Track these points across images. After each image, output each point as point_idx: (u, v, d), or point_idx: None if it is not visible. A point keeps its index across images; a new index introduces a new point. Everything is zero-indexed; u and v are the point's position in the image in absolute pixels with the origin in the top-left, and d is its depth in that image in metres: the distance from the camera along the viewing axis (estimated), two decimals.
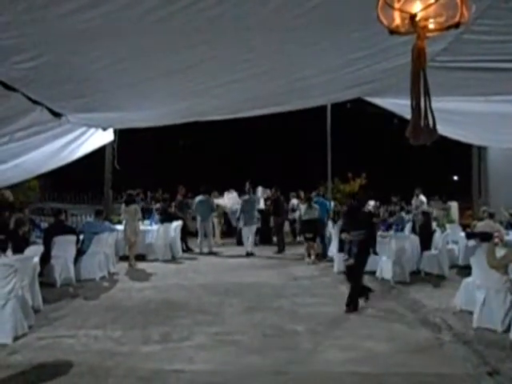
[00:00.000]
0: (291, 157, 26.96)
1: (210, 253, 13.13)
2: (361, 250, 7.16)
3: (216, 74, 5.01)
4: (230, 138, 26.25)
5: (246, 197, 13.53)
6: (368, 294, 7.62)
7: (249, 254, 12.84)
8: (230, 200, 15.35)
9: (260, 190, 16.53)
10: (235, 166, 24.85)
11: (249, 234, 13.20)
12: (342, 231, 7.85)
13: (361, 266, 7.32)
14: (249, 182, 13.87)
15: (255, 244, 13.85)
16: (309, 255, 11.99)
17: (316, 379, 4.74)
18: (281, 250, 13.47)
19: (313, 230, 11.97)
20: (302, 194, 15.16)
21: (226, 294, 8.28)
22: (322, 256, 12.22)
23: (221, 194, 15.65)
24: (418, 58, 2.39)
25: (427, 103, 2.46)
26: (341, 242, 8.75)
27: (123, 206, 11.71)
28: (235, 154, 27.35)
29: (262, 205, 15.41)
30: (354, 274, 7.32)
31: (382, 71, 5.56)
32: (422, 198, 14.84)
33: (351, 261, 7.20)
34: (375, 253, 7.92)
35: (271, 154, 26.98)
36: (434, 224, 11.17)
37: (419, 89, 2.44)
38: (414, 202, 14.81)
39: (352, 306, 7.17)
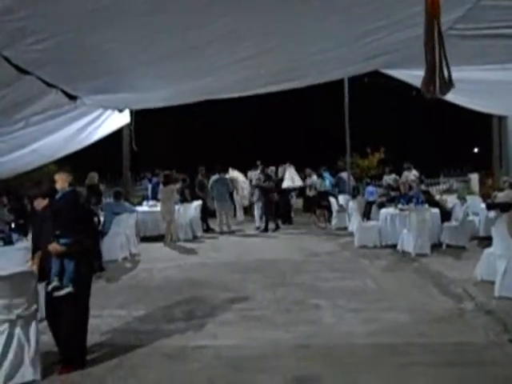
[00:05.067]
0: (309, 132, 26.75)
1: (230, 232, 13.25)
2: (79, 269, 4.48)
3: (231, 49, 4.95)
4: (247, 116, 26.05)
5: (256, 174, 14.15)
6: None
7: (258, 229, 13.38)
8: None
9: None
10: (252, 143, 24.71)
11: (258, 209, 13.81)
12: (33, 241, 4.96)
13: (85, 296, 4.60)
14: (260, 162, 14.45)
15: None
16: (322, 221, 13.82)
17: (338, 352, 4.78)
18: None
19: (326, 199, 13.71)
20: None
21: (247, 271, 8.36)
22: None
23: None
24: (432, 7, 2.32)
25: (442, 55, 2.40)
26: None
27: (161, 186, 11.99)
28: (252, 131, 27.15)
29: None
30: (73, 311, 4.50)
31: (398, 42, 5.46)
32: (415, 172, 14.66)
33: (68, 288, 4.39)
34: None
35: (288, 130, 26.79)
36: (453, 196, 11.10)
37: (433, 40, 2.38)
38: (407, 175, 14.61)
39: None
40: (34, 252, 4.75)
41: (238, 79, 6.51)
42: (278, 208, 14.23)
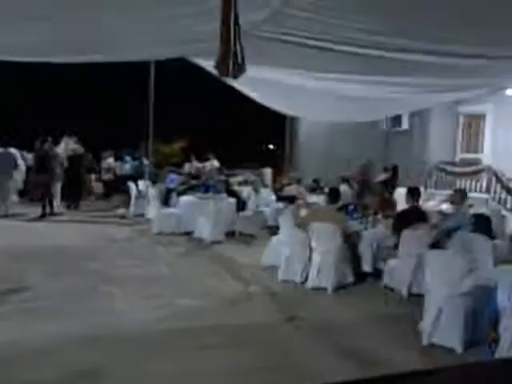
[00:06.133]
0: (111, 112, 25.54)
1: (8, 215, 11.79)
2: None
3: (29, 9, 4.40)
4: (44, 83, 23.67)
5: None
6: None
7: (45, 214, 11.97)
8: None
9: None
10: (47, 116, 22.48)
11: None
12: None
13: None
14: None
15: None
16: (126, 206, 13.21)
17: (129, 340, 4.63)
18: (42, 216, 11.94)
19: (125, 184, 13.36)
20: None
21: (31, 259, 7.54)
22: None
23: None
24: None
25: (236, 37, 2.46)
26: None
27: None
28: (50, 101, 24.77)
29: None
30: None
31: (204, 32, 5.51)
32: (216, 162, 15.66)
33: None
34: None
35: (88, 106, 25.21)
36: (248, 188, 11.85)
37: (229, 21, 2.42)
38: (208, 165, 15.51)
39: None
40: None
41: (35, 40, 5.79)
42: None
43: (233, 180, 13.44)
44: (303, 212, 7.34)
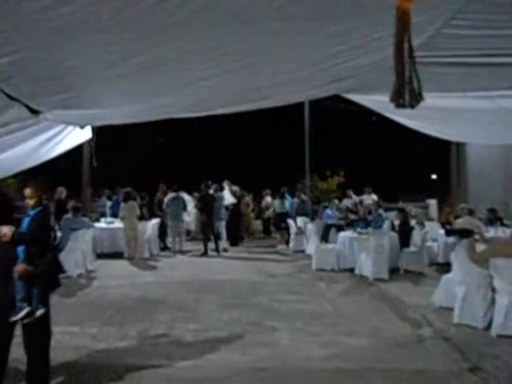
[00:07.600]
0: (268, 154, 26.81)
1: (181, 251, 12.90)
2: (46, 288, 4.13)
3: (195, 69, 4.85)
4: (207, 135, 26.03)
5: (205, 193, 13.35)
6: None
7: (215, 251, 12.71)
8: None
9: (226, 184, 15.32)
10: (209, 163, 24.51)
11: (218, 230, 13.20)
12: None
13: (49, 315, 4.16)
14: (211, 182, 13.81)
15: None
16: (286, 242, 13.63)
17: (296, 376, 4.64)
18: (204, 253, 12.60)
19: (285, 221, 13.74)
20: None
21: (203, 291, 8.18)
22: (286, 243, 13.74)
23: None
24: (402, 20, 2.28)
25: (412, 67, 2.37)
26: None
27: (122, 203, 12.03)
28: (210, 150, 27.03)
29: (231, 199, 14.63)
30: (45, 332, 4.16)
31: (360, 67, 5.45)
32: (374, 196, 15.01)
33: (41, 310, 3.98)
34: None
35: (248, 151, 26.82)
36: (412, 221, 11.17)
37: (403, 52, 2.32)
38: (365, 199, 14.95)
39: None
40: None
41: (199, 98, 6.40)
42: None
43: (394, 214, 12.82)
44: (480, 247, 6.60)
